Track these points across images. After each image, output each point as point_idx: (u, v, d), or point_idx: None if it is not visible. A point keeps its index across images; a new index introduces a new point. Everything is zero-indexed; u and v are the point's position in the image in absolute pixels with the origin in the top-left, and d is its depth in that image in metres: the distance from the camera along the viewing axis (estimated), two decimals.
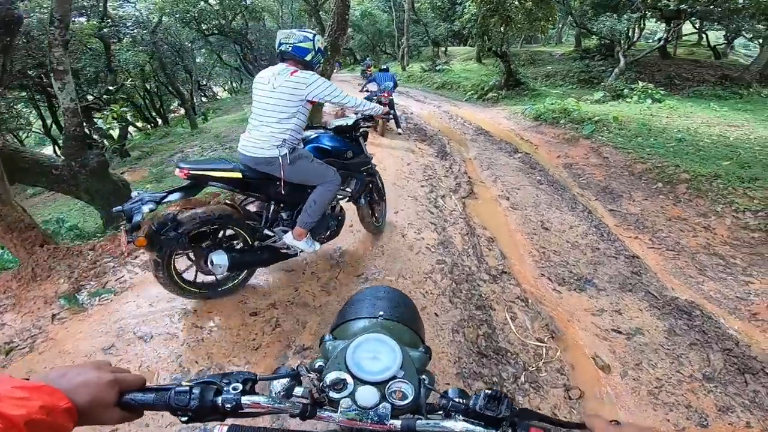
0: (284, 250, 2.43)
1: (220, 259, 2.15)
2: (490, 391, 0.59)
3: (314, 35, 2.19)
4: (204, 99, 27.00)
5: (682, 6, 8.49)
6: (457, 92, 13.76)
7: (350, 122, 2.60)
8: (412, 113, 9.73)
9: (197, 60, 20.86)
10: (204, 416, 0.57)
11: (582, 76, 12.50)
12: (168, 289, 2.23)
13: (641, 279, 2.88)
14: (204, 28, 9.98)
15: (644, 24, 12.24)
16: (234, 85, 29.91)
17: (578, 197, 4.50)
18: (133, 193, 1.95)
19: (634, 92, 9.57)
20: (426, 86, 16.16)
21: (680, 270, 3.05)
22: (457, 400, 0.62)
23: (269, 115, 2.11)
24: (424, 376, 0.67)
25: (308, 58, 2.16)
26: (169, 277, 2.16)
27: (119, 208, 1.87)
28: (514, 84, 11.38)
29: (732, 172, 4.27)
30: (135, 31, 11.50)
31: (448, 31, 22.87)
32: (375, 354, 0.66)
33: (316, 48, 2.18)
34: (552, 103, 8.59)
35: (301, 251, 2.43)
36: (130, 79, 14.99)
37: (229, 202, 2.51)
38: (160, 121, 19.73)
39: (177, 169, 2.04)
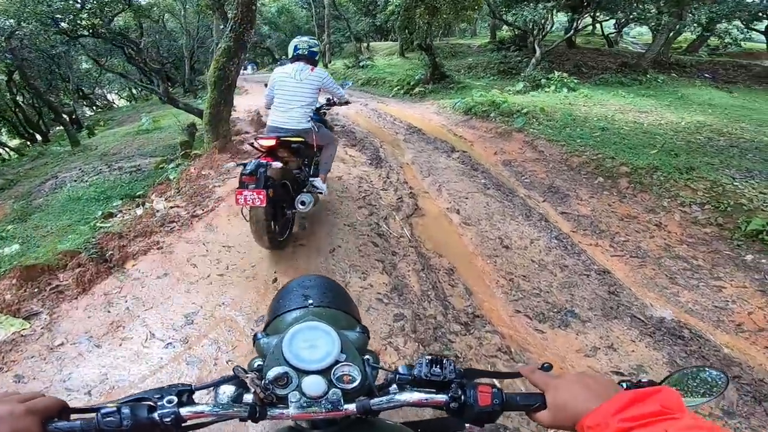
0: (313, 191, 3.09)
1: (309, 198, 2.78)
2: (430, 357, 0.60)
3: (318, 41, 3.17)
4: (93, 109, 23.31)
5: None
6: (383, 88, 13.28)
7: (318, 105, 3.30)
8: (337, 114, 9.00)
9: (83, 66, 17.75)
10: None
11: (501, 67, 12.77)
12: (266, 242, 2.60)
13: (620, 299, 2.55)
14: (67, 28, 8.11)
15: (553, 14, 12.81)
16: (133, 91, 26.19)
17: (527, 201, 4.20)
18: (229, 164, 3.10)
19: (551, 82, 9.88)
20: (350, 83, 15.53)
21: (651, 281, 2.80)
22: (403, 372, 0.61)
23: (300, 100, 2.89)
24: (367, 356, 0.66)
25: (317, 58, 3.08)
26: (272, 229, 2.58)
27: (246, 171, 2.37)
28: (439, 77, 11.19)
29: (668, 163, 4.27)
30: None
31: (370, 26, 22.38)
32: (312, 342, 0.62)
33: (319, 51, 3.14)
34: (480, 96, 8.46)
35: (321, 192, 3.16)
36: None
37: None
38: (39, 138, 16.51)
39: (258, 141, 2.68)
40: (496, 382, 0.64)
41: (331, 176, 4.53)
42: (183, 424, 0.54)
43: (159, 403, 0.54)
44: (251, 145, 2.80)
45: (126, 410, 0.52)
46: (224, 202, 3.45)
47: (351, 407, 0.57)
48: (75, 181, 6.19)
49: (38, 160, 9.33)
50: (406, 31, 10.77)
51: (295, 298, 0.92)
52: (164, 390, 0.56)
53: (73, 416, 0.53)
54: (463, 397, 0.56)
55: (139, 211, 4.50)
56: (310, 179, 3.09)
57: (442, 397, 0.58)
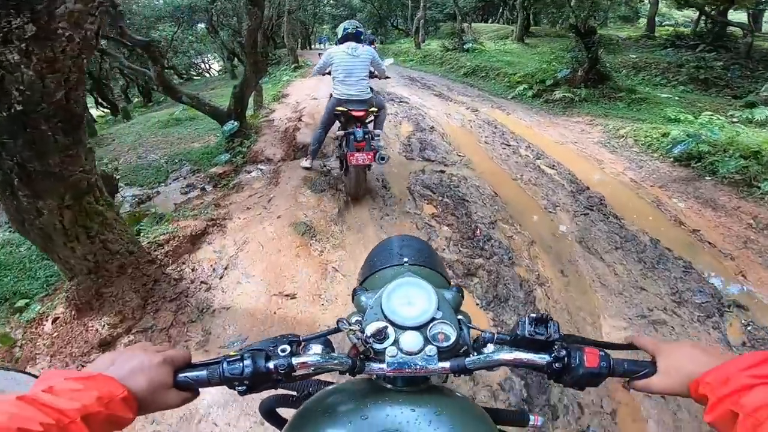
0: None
1: (386, 156, 3.27)
2: (534, 316, 0.59)
3: (361, 23, 4.09)
4: (180, 78, 22.43)
5: None
6: (496, 84, 9.41)
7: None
8: (431, 127, 5.56)
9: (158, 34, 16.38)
10: (260, 384, 0.56)
11: (697, 74, 8.06)
12: (360, 192, 3.35)
13: None
14: None
15: None
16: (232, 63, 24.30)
17: None
18: (339, 132, 3.32)
19: None
20: (448, 71, 11.72)
21: None
22: (501, 333, 0.61)
23: (360, 72, 3.40)
24: (461, 316, 0.66)
25: (362, 37, 3.65)
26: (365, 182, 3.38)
27: (358, 139, 3.05)
28: (596, 79, 7.07)
29: None
30: None
31: (476, 1, 18.18)
32: (410, 299, 0.64)
33: (363, 32, 3.86)
34: (713, 129, 4.36)
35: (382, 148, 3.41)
36: None
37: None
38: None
39: (351, 113, 3.29)
40: None
41: None
42: (293, 374, 0.56)
43: (274, 353, 0.56)
44: (336, 115, 3.44)
45: (247, 360, 0.54)
46: None
47: (445, 365, 0.58)
48: None
49: None
50: (552, 6, 6.80)
51: (391, 255, 0.92)
52: (278, 340, 0.58)
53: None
54: (567, 359, 0.55)
55: None
56: (375, 139, 3.30)
57: (543, 358, 0.57)
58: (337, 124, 3.56)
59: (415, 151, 4.56)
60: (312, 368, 0.56)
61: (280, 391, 0.70)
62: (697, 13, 13.39)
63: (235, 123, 4.62)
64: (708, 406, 0.44)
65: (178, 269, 2.19)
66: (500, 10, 21.96)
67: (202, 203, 3.20)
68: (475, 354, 0.60)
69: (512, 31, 16.05)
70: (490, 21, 22.69)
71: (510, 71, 9.45)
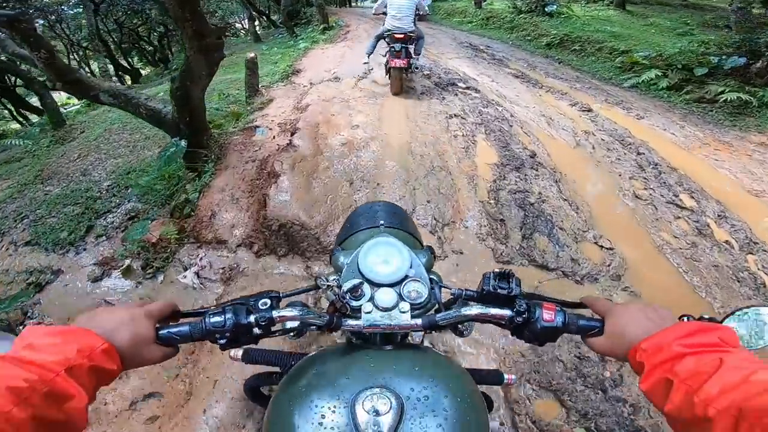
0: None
1: (419, 65, 5.27)
2: (498, 271, 0.61)
3: None
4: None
5: None
6: (598, 62, 6.72)
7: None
8: (531, 154, 3.39)
9: None
10: (240, 337, 0.56)
11: None
12: (398, 88, 4.75)
13: None
14: None
15: None
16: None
17: None
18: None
19: None
20: (523, 40, 8.92)
21: None
22: (469, 289, 0.65)
23: (408, 11, 4.65)
24: (432, 276, 0.68)
25: None
26: (402, 81, 4.81)
27: (396, 49, 4.46)
28: None
29: None
30: None
31: None
32: (385, 257, 0.66)
33: None
34: None
35: (419, 65, 5.26)
36: None
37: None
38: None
39: (398, 34, 4.55)
40: None
41: None
42: (272, 327, 0.58)
43: (255, 307, 0.58)
44: (383, 34, 4.79)
45: (229, 313, 0.55)
46: None
47: (417, 321, 0.59)
48: None
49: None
50: None
51: (368, 219, 0.98)
52: (259, 295, 0.60)
53: (182, 319, 0.57)
54: (527, 313, 0.57)
55: None
56: (413, 58, 4.75)
57: (505, 312, 0.58)
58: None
59: (512, 236, 2.35)
60: (291, 322, 0.58)
61: (264, 369, 0.71)
62: None
63: (181, 143, 2.70)
64: (644, 374, 0.45)
65: None
66: None
67: None
68: (445, 311, 0.61)
69: None
70: None
71: (619, 46, 6.73)
